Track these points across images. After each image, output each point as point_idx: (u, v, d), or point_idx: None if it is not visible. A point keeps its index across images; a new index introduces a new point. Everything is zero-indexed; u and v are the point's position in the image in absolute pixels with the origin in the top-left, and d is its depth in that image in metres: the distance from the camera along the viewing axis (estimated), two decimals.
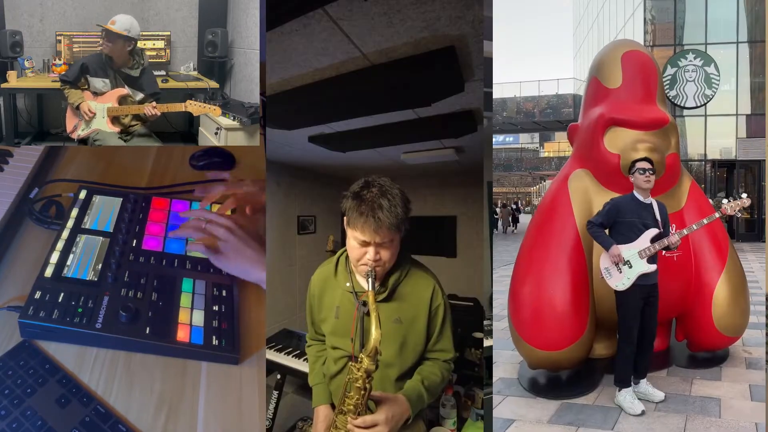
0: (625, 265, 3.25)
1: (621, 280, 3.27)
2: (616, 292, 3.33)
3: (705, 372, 3.91)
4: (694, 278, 3.94)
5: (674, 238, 3.25)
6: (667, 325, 4.24)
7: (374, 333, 1.51)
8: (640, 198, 3.33)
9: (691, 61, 16.29)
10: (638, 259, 3.23)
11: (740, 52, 16.46)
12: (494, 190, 35.04)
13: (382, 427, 1.60)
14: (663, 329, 4.14)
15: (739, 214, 3.90)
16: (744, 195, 3.43)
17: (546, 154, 33.74)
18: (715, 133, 16.70)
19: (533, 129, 28.38)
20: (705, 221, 3.39)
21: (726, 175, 17.04)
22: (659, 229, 3.29)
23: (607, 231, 3.38)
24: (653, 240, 3.25)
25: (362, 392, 1.57)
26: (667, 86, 16.21)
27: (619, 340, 3.43)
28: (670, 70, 16.34)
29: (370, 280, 1.61)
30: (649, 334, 3.39)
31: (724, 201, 3.41)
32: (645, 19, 17.21)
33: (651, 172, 3.30)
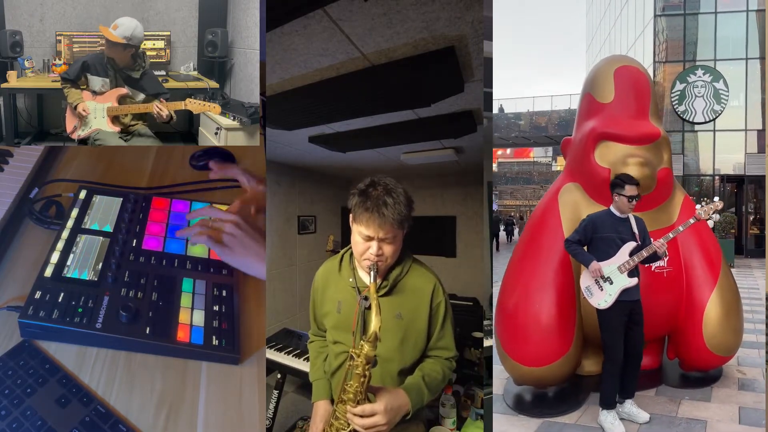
0: (606, 282, 3.16)
1: (603, 298, 3.16)
2: (598, 310, 3.22)
3: (695, 392, 3.75)
4: (684, 295, 3.82)
5: (659, 242, 3.13)
6: (659, 342, 4.13)
7: (374, 320, 1.56)
8: (617, 213, 3.25)
9: (700, 76, 16.27)
10: (618, 274, 3.14)
11: (750, 68, 16.43)
12: (507, 202, 35.28)
13: (380, 416, 1.62)
14: (654, 347, 4.07)
15: (715, 218, 3.59)
16: (716, 198, 3.30)
17: (559, 168, 33.93)
18: (724, 149, 16.64)
19: (546, 143, 28.55)
20: (681, 228, 3.25)
21: (735, 190, 17.02)
22: (637, 241, 3.20)
23: (585, 248, 3.28)
24: (632, 253, 3.16)
25: (362, 379, 1.60)
26: (676, 102, 16.24)
27: (603, 360, 3.31)
28: (679, 86, 16.34)
29: (372, 273, 1.67)
30: (636, 354, 3.26)
31: (698, 207, 3.31)
32: (655, 35, 17.20)
33: (637, 199, 3.21)
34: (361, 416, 1.62)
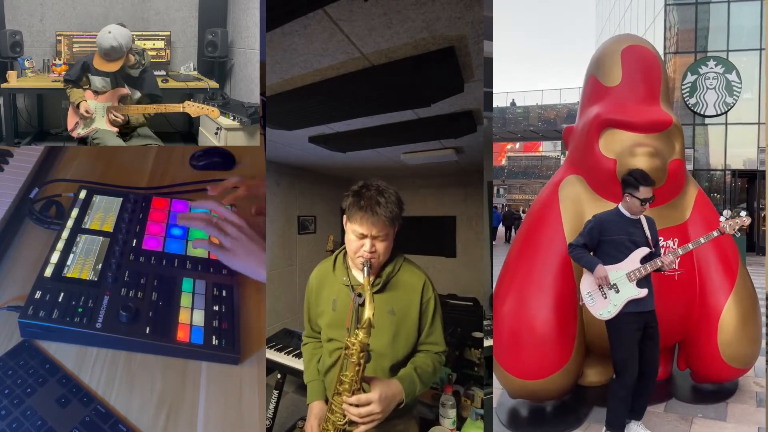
0: (611, 290, 2.82)
1: (606, 308, 2.83)
2: (607, 323, 2.88)
3: (708, 409, 3.39)
4: (698, 300, 3.47)
5: (668, 258, 2.83)
6: (669, 351, 3.76)
7: (368, 307, 1.63)
8: (626, 213, 2.91)
9: (712, 68, 15.75)
10: (626, 283, 2.81)
11: (764, 59, 15.62)
12: (515, 197, 35.31)
13: (375, 405, 1.67)
14: (664, 356, 3.68)
15: (738, 234, 3.30)
16: (743, 213, 3.05)
17: None
18: (736, 143, 16.10)
19: (555, 137, 28.33)
20: (702, 240, 2.95)
21: (746, 186, 16.47)
22: (650, 248, 2.88)
23: (591, 254, 2.95)
24: (643, 260, 2.84)
25: (357, 368, 1.66)
26: (687, 94, 15.80)
27: (613, 380, 2.95)
28: (690, 78, 15.86)
29: (366, 269, 1.74)
30: (650, 372, 2.89)
31: (722, 219, 3.05)
32: (666, 26, 16.75)
33: (651, 202, 2.87)
34: (357, 405, 1.67)
